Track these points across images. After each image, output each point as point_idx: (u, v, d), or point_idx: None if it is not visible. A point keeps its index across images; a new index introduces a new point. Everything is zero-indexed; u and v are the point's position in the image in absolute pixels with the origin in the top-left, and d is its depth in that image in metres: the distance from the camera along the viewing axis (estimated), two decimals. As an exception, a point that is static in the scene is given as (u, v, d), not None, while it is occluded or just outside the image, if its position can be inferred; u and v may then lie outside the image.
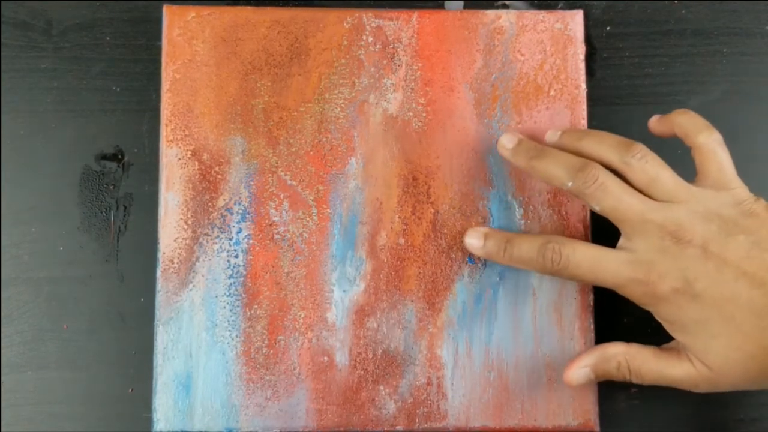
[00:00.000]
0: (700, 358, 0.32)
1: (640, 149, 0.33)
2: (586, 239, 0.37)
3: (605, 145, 0.33)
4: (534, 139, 0.37)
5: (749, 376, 0.31)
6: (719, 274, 0.31)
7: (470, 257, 0.37)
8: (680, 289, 0.31)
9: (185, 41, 0.37)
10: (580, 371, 0.34)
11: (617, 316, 0.38)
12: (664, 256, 0.31)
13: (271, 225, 0.36)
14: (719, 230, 0.31)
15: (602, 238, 0.38)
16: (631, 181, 0.33)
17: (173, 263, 0.36)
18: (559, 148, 0.35)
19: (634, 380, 0.33)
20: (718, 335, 0.31)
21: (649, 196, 0.32)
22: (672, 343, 0.34)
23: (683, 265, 0.31)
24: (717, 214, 0.32)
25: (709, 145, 0.33)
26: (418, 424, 0.35)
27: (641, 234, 0.32)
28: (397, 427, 0.35)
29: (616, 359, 0.33)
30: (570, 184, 0.33)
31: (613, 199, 0.32)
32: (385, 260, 0.36)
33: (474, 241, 0.35)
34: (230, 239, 0.36)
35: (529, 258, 0.34)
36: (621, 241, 0.33)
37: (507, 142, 0.36)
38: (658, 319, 0.33)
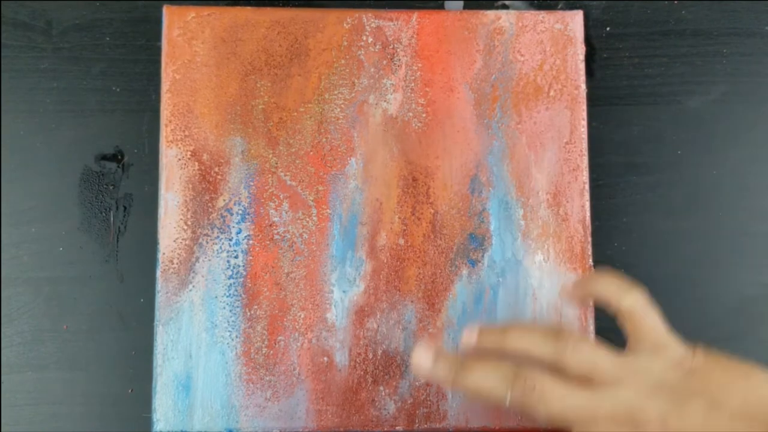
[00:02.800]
0: None
1: (570, 336, 0.31)
2: (585, 240, 0.37)
3: (532, 342, 0.31)
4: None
5: None
6: None
7: (470, 258, 0.37)
8: None
9: (185, 42, 0.37)
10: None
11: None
12: None
13: (270, 225, 0.36)
14: (672, 402, 0.30)
15: (602, 238, 0.38)
16: (567, 371, 0.30)
17: (173, 263, 0.36)
18: (483, 349, 0.32)
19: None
20: None
21: (590, 385, 0.30)
22: None
23: None
24: (664, 385, 0.30)
25: (638, 309, 0.31)
26: (417, 425, 0.35)
27: (597, 430, 0.30)
28: (397, 428, 0.35)
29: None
30: (509, 398, 0.30)
31: (557, 403, 0.29)
32: (385, 261, 0.36)
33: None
34: (230, 240, 0.36)
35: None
36: None
37: (422, 360, 0.31)
38: None
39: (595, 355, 0.30)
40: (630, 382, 0.30)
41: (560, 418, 0.30)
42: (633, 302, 0.31)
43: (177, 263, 0.36)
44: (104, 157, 0.38)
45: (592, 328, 0.36)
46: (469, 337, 0.32)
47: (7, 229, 0.38)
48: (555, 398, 0.30)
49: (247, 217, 0.36)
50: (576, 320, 0.36)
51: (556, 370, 0.30)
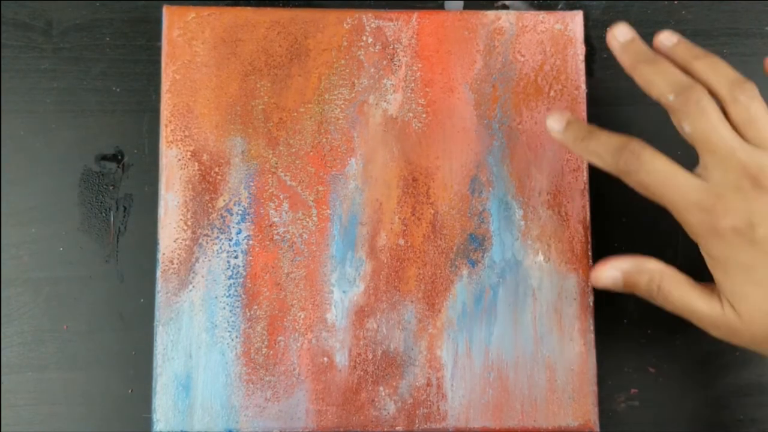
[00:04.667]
0: (732, 302, 0.31)
1: (751, 89, 0.32)
2: (585, 240, 0.37)
3: (719, 73, 0.32)
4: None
5: None
6: None
7: (470, 258, 0.37)
8: (740, 230, 0.31)
9: (185, 42, 0.37)
10: (610, 272, 0.34)
11: (617, 317, 0.38)
12: (737, 194, 0.31)
13: (270, 226, 0.36)
14: None
15: (602, 238, 0.38)
16: (729, 115, 0.32)
17: (173, 264, 0.36)
18: (671, 55, 0.34)
19: (658, 301, 0.33)
20: (758, 283, 0.31)
21: (742, 136, 0.32)
22: (707, 283, 0.33)
23: (753, 208, 0.31)
24: None
25: None
26: (417, 425, 0.35)
27: (722, 167, 0.31)
28: (397, 428, 0.35)
29: (650, 274, 0.33)
30: (671, 97, 0.32)
31: (707, 124, 0.31)
32: (385, 261, 0.36)
33: (554, 125, 0.34)
34: (230, 240, 0.36)
35: (604, 153, 0.33)
36: (698, 169, 0.32)
37: (620, 35, 0.34)
38: (704, 254, 0.32)
39: (763, 115, 0.32)
40: None
41: (702, 137, 0.32)
42: None
43: (177, 263, 0.36)
44: (104, 157, 0.38)
45: (592, 327, 0.36)
46: (669, 39, 0.34)
47: (7, 229, 0.38)
48: (711, 118, 0.31)
49: (247, 217, 0.36)
50: (576, 320, 0.36)
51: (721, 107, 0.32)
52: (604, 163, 0.33)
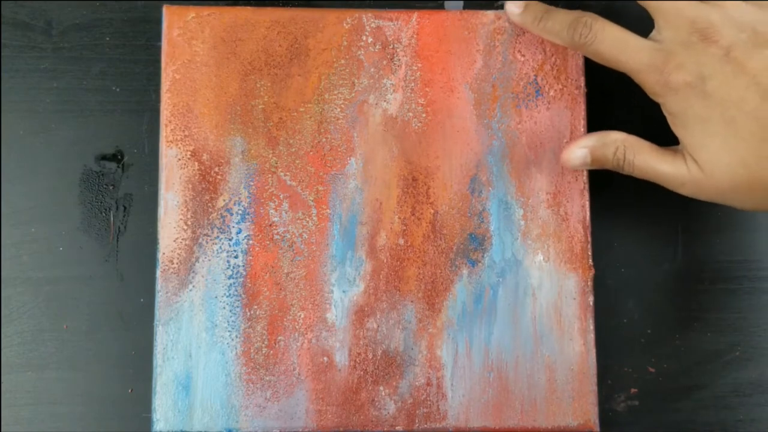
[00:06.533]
0: (693, 156, 0.33)
1: None
2: (585, 240, 0.37)
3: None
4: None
5: (735, 184, 0.32)
6: (734, 78, 0.31)
7: (470, 258, 0.37)
8: (692, 83, 0.32)
9: (185, 42, 0.37)
10: (578, 151, 0.35)
11: (617, 316, 0.38)
12: (687, 49, 0.32)
13: (270, 225, 0.36)
14: (748, 40, 0.32)
15: (602, 238, 0.38)
16: None
17: (173, 263, 0.36)
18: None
19: (626, 170, 0.34)
20: (715, 134, 0.32)
21: None
22: (672, 147, 0.34)
23: (702, 61, 0.32)
24: (751, 27, 0.32)
25: None
26: (417, 425, 0.35)
27: (672, 26, 0.33)
28: (397, 428, 0.35)
29: (614, 145, 0.34)
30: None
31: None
32: (385, 261, 0.36)
33: (513, 8, 0.36)
34: (230, 240, 0.36)
35: (560, 29, 0.35)
36: (652, 33, 0.34)
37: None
38: (665, 113, 0.34)
39: None
40: (725, 9, 0.32)
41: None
42: None
43: (177, 263, 0.36)
44: (104, 157, 0.38)
45: (592, 327, 0.36)
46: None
47: (7, 229, 0.38)
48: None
49: (247, 217, 0.36)
50: (576, 320, 0.36)
51: None
52: (562, 40, 0.35)
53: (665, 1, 0.33)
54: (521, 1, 0.36)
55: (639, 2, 0.34)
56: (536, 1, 0.36)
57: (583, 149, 0.35)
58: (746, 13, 0.32)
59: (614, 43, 0.33)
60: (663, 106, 0.33)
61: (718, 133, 0.32)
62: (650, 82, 0.33)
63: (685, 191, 0.33)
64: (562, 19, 0.35)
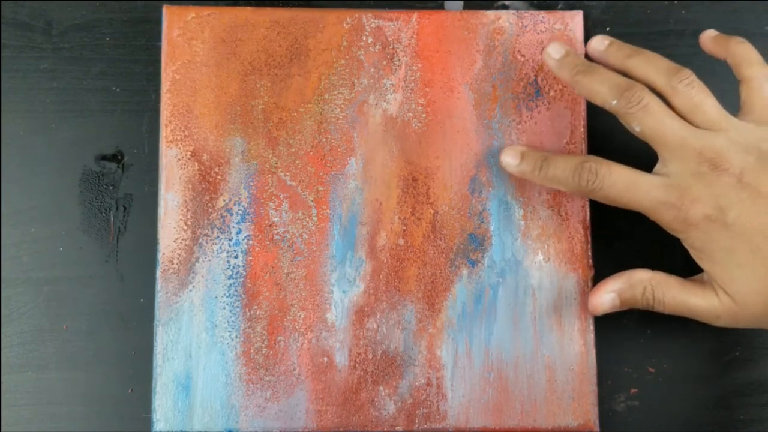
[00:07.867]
0: (724, 288, 0.32)
1: (689, 75, 0.33)
2: (585, 240, 0.37)
3: (653, 67, 0.33)
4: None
5: None
6: (752, 205, 0.31)
7: (470, 258, 0.37)
8: (712, 216, 0.31)
9: (185, 42, 0.37)
10: (606, 296, 0.34)
11: (617, 316, 0.38)
12: (699, 181, 0.31)
13: (270, 226, 0.36)
14: (757, 162, 0.31)
15: (602, 238, 0.38)
16: (674, 106, 0.33)
17: (173, 264, 0.36)
18: (604, 60, 0.35)
19: (657, 308, 0.33)
20: (743, 265, 0.31)
21: (691, 123, 0.32)
22: (698, 276, 0.34)
23: (717, 192, 0.31)
24: (756, 147, 0.32)
25: (758, 79, 0.33)
26: (417, 425, 0.35)
27: (678, 158, 0.32)
28: (397, 428, 0.35)
29: (641, 285, 0.33)
30: (614, 102, 0.32)
31: (654, 120, 0.32)
32: (385, 261, 0.36)
33: (510, 159, 0.35)
34: (230, 240, 0.36)
35: (564, 177, 0.33)
36: (657, 167, 0.33)
37: (554, 53, 0.35)
38: (687, 247, 0.33)
39: (705, 97, 0.33)
40: (726, 132, 0.32)
41: (652, 134, 0.32)
42: (755, 73, 0.33)
43: (177, 263, 0.36)
44: (104, 157, 0.38)
45: (592, 327, 0.36)
46: (601, 42, 0.35)
47: (7, 229, 0.38)
48: (656, 114, 0.32)
49: (247, 217, 0.36)
50: (576, 320, 0.36)
51: (666, 100, 0.33)
52: (567, 187, 0.34)
53: (667, 134, 0.32)
54: (516, 151, 0.35)
55: (638, 135, 0.33)
56: (531, 150, 0.35)
57: (611, 294, 0.34)
58: (748, 133, 0.32)
59: (624, 186, 0.32)
60: (684, 241, 0.33)
61: (747, 263, 0.31)
62: (668, 219, 0.32)
63: (720, 323, 0.33)
64: (564, 165, 0.33)
